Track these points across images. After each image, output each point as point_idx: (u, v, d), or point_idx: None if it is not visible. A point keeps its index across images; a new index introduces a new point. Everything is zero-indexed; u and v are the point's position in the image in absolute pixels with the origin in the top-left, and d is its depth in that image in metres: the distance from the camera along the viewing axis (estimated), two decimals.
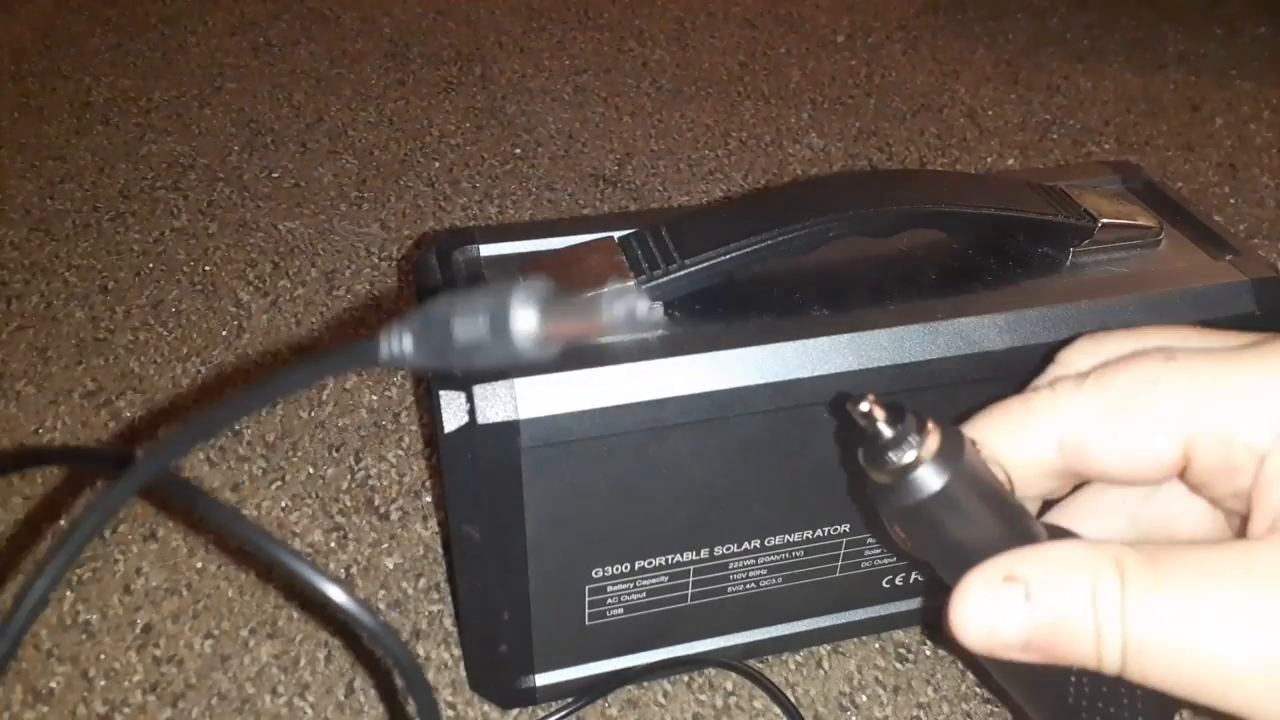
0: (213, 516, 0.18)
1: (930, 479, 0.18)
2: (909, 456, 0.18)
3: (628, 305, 0.15)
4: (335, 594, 0.18)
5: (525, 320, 0.15)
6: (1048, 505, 0.23)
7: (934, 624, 0.37)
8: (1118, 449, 0.19)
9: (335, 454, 0.44)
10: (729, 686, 0.35)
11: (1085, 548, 0.17)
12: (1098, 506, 0.22)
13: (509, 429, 0.27)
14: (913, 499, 0.18)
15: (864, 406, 0.19)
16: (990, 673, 0.21)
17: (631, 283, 0.14)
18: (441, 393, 0.27)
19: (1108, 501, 0.22)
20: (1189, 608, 0.16)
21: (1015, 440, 0.20)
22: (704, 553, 0.32)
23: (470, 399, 0.26)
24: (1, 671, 0.15)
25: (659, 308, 0.14)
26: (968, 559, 0.19)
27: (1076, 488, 0.22)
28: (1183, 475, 0.19)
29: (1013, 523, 0.19)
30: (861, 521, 0.33)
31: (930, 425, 0.19)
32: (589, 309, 0.15)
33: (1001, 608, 0.17)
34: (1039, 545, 0.18)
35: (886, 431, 0.19)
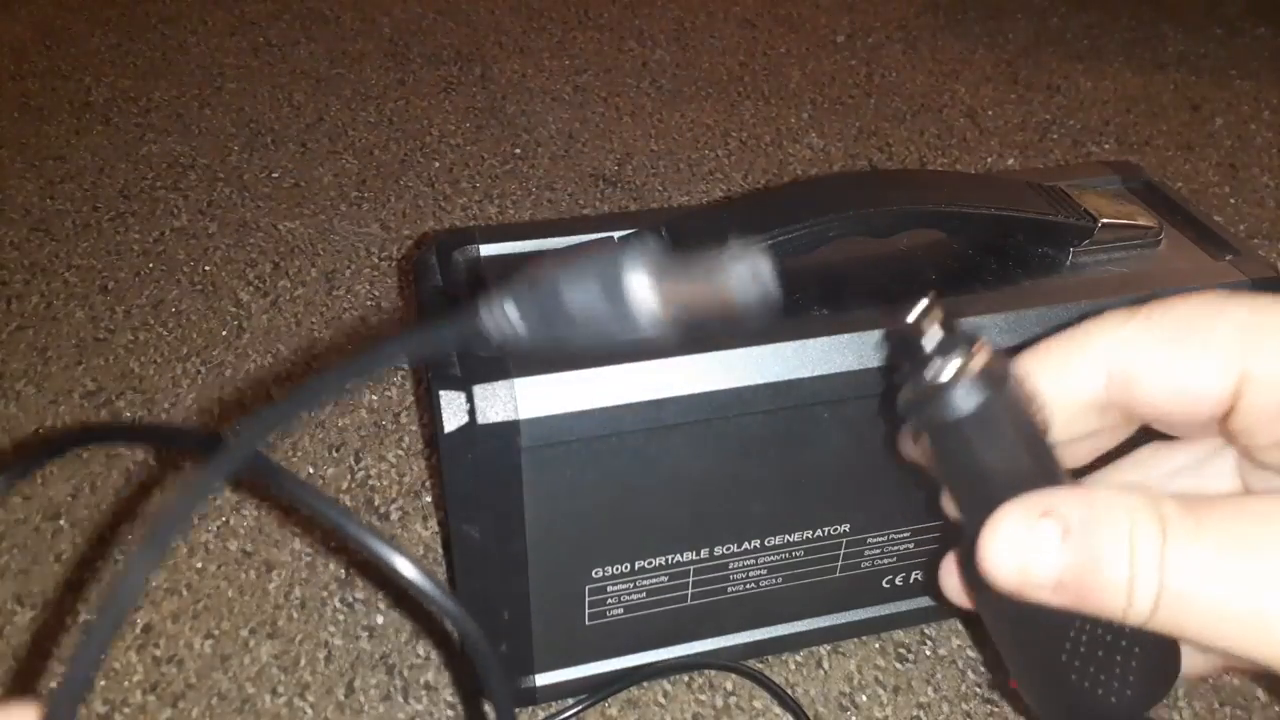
0: (299, 497, 0.17)
1: (971, 395, 0.18)
2: (953, 367, 0.18)
3: (751, 266, 0.13)
4: (425, 585, 0.17)
5: (640, 283, 0.14)
6: (1096, 466, 0.22)
7: (934, 587, 0.37)
8: (1168, 378, 0.18)
9: (335, 454, 0.44)
10: (729, 686, 0.35)
11: (1127, 493, 0.17)
12: (1145, 476, 0.21)
13: (509, 429, 0.27)
14: (951, 413, 0.18)
15: (920, 307, 0.18)
16: (986, 623, 0.20)
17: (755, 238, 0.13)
18: (441, 393, 0.27)
19: (1156, 472, 0.21)
20: (1229, 560, 0.16)
21: (1063, 370, 0.19)
22: (704, 553, 0.32)
23: (470, 399, 0.26)
24: (102, 654, 0.15)
25: (761, 270, 0.13)
26: (992, 491, 0.18)
27: (1121, 451, 0.21)
28: (1225, 422, 0.19)
29: (1045, 462, 0.18)
30: (866, 518, 0.33)
31: (980, 342, 0.18)
32: (709, 271, 0.13)
33: (1037, 544, 0.17)
34: (1079, 485, 0.18)
35: (936, 337, 0.18)
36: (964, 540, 0.19)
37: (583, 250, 0.14)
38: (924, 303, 0.18)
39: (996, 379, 0.18)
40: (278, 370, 0.48)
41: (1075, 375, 0.19)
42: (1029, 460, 0.18)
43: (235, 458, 0.15)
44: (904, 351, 0.19)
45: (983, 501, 0.18)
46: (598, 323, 0.14)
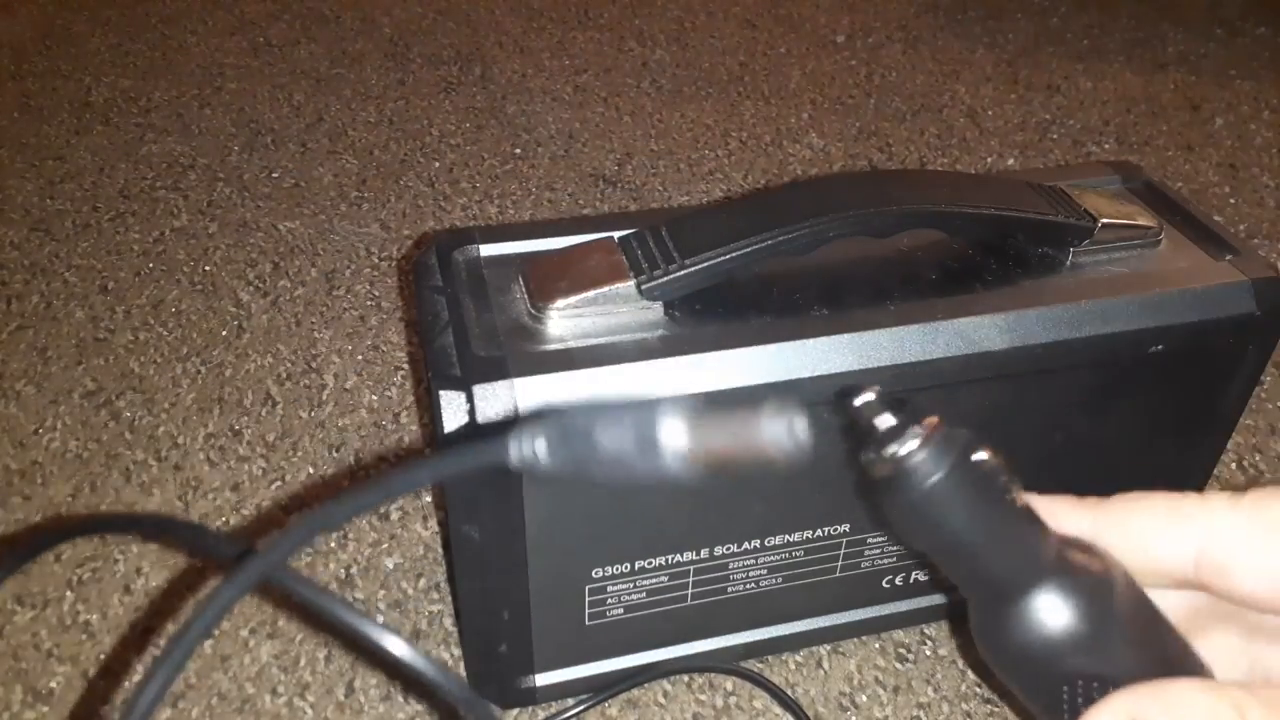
0: (321, 607, 0.18)
1: (929, 469, 0.18)
2: (909, 446, 0.18)
3: (785, 423, 0.14)
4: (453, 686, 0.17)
5: (675, 435, 0.14)
6: None
7: (957, 617, 0.37)
8: (1268, 571, 0.18)
9: (335, 454, 0.44)
10: (729, 686, 0.35)
11: (1207, 690, 0.17)
12: (1217, 643, 0.21)
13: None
14: (913, 491, 0.18)
15: (864, 398, 0.19)
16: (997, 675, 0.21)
17: (786, 402, 0.14)
18: (441, 392, 0.27)
19: (1228, 641, 0.21)
20: None
21: (1153, 537, 0.19)
22: (704, 553, 0.32)
23: (470, 399, 0.26)
24: None
25: (800, 417, 0.14)
26: (974, 562, 0.18)
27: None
28: None
29: (1020, 526, 0.19)
30: (866, 521, 0.33)
31: (931, 419, 0.19)
32: (743, 426, 0.14)
33: None
34: (1161, 683, 0.18)
35: (886, 422, 0.19)
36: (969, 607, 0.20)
37: (621, 405, 0.15)
38: (868, 395, 0.19)
39: (952, 447, 0.18)
40: (278, 370, 0.48)
41: (1164, 546, 0.19)
42: (1002, 525, 0.19)
43: (259, 571, 0.16)
44: (860, 435, 0.19)
45: (969, 572, 0.19)
46: (626, 466, 0.15)
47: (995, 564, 0.19)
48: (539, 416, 0.16)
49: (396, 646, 0.17)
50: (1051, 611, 0.18)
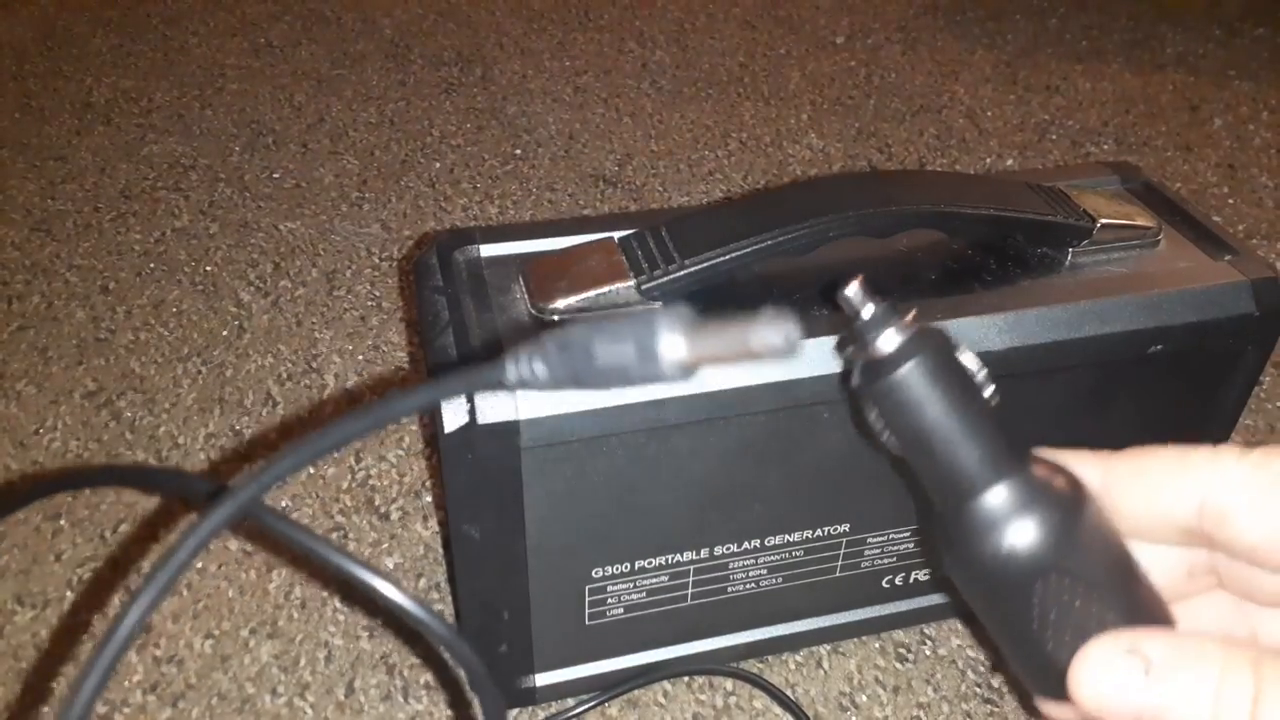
0: (302, 544, 0.18)
1: (904, 355, 0.19)
2: (887, 334, 0.19)
3: (777, 333, 0.14)
4: (426, 618, 0.17)
5: (672, 345, 0.15)
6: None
7: (967, 613, 0.37)
8: (1270, 524, 0.19)
9: (335, 454, 0.44)
10: (729, 686, 0.35)
11: (1223, 644, 0.17)
12: (1215, 605, 0.21)
13: (509, 429, 0.27)
14: (887, 376, 0.19)
15: (851, 289, 0.19)
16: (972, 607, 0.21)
17: (780, 312, 0.14)
18: None
19: (1226, 604, 0.21)
20: None
21: (1161, 485, 0.20)
22: (704, 553, 0.32)
23: (470, 399, 0.26)
24: (96, 697, 0.15)
25: (800, 336, 0.14)
26: (942, 456, 0.19)
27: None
28: None
29: (989, 422, 0.19)
30: (867, 519, 0.33)
31: (911, 311, 0.19)
32: (736, 335, 0.15)
33: (1120, 679, 0.17)
34: (1174, 630, 0.18)
35: (869, 311, 0.19)
36: (934, 511, 0.20)
37: (616, 318, 0.15)
38: (852, 287, 0.19)
39: (927, 340, 0.19)
40: (278, 370, 0.48)
41: (1169, 495, 0.20)
42: (976, 418, 0.19)
43: (235, 507, 0.16)
44: (849, 338, 0.20)
45: (938, 467, 0.19)
46: (624, 376, 0.15)
47: (963, 457, 0.19)
48: (536, 341, 0.16)
49: (384, 587, 0.17)
50: (1018, 509, 0.18)
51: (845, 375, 0.21)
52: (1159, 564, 0.20)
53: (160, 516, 0.41)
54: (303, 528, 0.18)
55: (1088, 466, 0.20)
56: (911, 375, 0.19)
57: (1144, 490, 0.20)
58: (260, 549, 0.40)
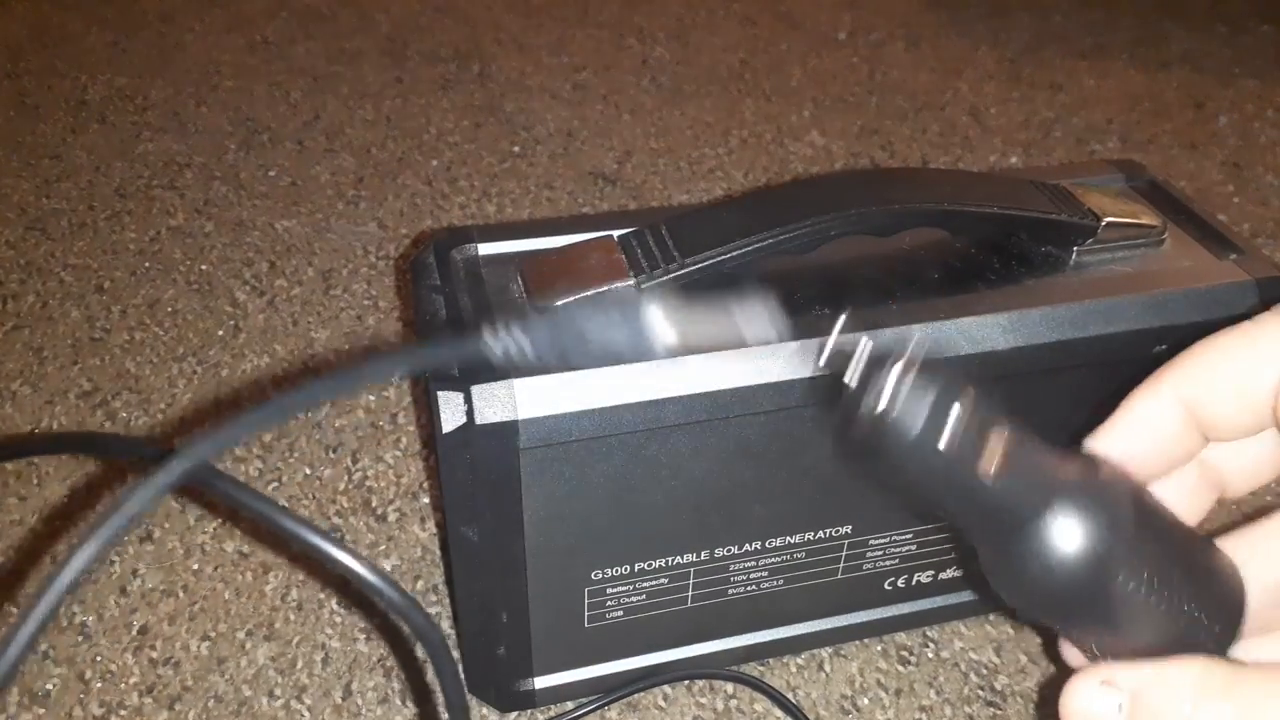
0: (253, 509, 0.17)
1: (903, 427, 0.17)
2: (880, 404, 0.17)
3: (765, 320, 0.14)
4: (385, 588, 0.17)
5: (663, 326, 0.15)
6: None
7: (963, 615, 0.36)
8: (1225, 384, 0.19)
9: (332, 455, 0.44)
10: (730, 689, 0.35)
11: (1202, 667, 0.18)
12: None
13: (507, 429, 0.26)
14: (891, 449, 0.18)
15: (829, 353, 0.18)
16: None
17: (768, 300, 0.14)
18: (440, 393, 0.26)
19: None
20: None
21: (1234, 372, 0.19)
22: (704, 554, 0.31)
23: (468, 399, 0.26)
24: (15, 667, 0.14)
25: (788, 325, 0.13)
26: (963, 509, 0.18)
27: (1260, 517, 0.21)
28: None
29: (1015, 468, 0.18)
30: (868, 522, 0.32)
31: (897, 364, 0.18)
32: (724, 319, 0.15)
33: (1097, 712, 0.18)
34: (1143, 664, 0.18)
35: (854, 378, 0.18)
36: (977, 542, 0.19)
37: (605, 297, 0.15)
38: (828, 345, 0.18)
39: (927, 397, 0.18)
40: (275, 370, 0.48)
41: (1251, 377, 0.20)
42: (994, 476, 0.18)
43: (179, 470, 0.15)
44: (841, 398, 0.19)
45: (961, 516, 0.18)
46: (613, 355, 0.15)
47: (981, 514, 0.18)
48: (518, 315, 0.16)
49: (331, 549, 0.17)
50: (1056, 537, 0.18)
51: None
52: (1259, 459, 0.20)
53: (156, 518, 0.41)
54: (251, 490, 0.18)
55: (1162, 392, 0.20)
56: (911, 448, 0.17)
57: (1224, 381, 0.20)
58: (257, 550, 0.40)
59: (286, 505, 0.41)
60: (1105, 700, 0.18)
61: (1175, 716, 0.17)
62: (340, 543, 0.17)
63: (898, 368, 0.18)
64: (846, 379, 0.18)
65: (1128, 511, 0.19)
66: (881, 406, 0.17)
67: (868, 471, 0.19)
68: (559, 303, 0.28)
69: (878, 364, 0.18)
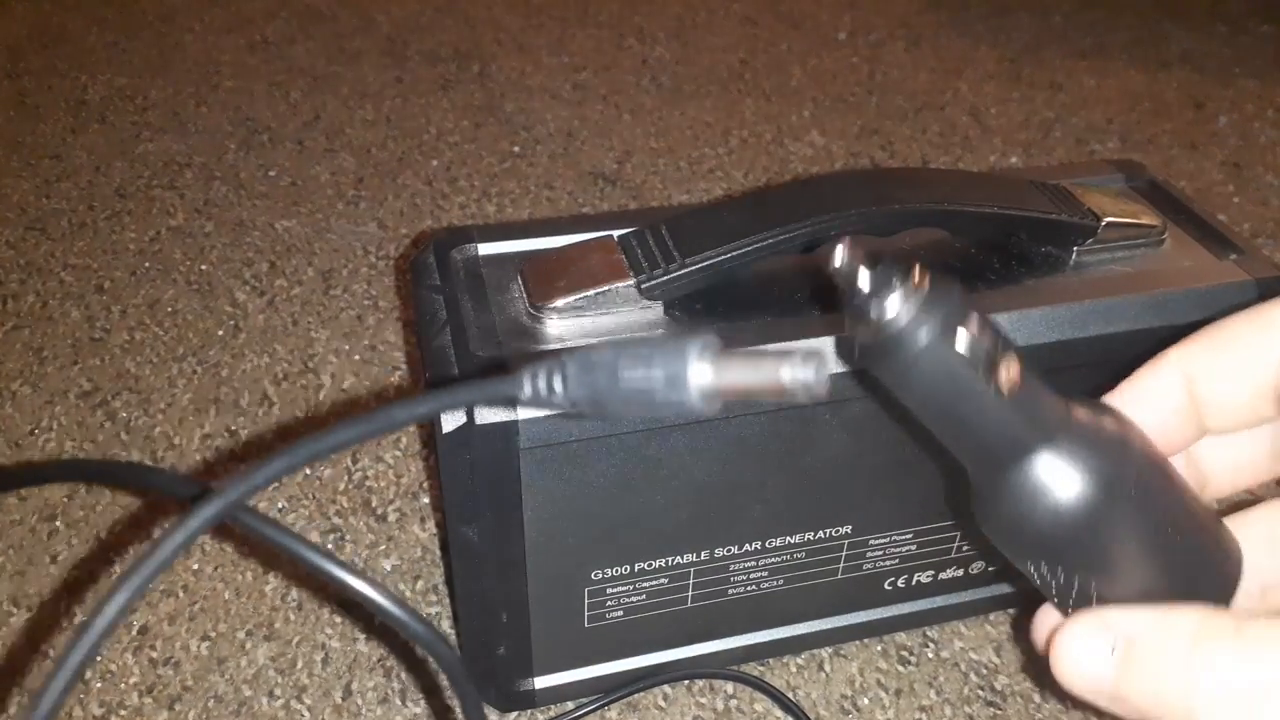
0: (283, 546, 0.17)
1: (913, 329, 0.16)
2: (890, 304, 0.17)
3: (808, 369, 0.13)
4: (409, 621, 0.17)
5: (701, 374, 0.14)
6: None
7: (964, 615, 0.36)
8: (1225, 368, 0.19)
9: (332, 454, 0.44)
10: (730, 689, 0.35)
11: (1202, 615, 0.17)
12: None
13: (507, 429, 0.26)
14: (897, 354, 0.17)
15: (839, 256, 0.17)
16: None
17: (812, 345, 0.13)
18: None
19: None
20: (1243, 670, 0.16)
21: (1241, 358, 0.19)
22: (704, 554, 0.31)
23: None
24: (61, 698, 0.15)
25: (818, 370, 0.13)
26: (968, 431, 0.17)
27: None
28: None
29: (1018, 397, 0.17)
30: (869, 521, 0.32)
31: (913, 274, 0.17)
32: (765, 368, 0.14)
33: (1091, 659, 0.18)
34: (1141, 608, 0.18)
35: (865, 280, 0.17)
36: (968, 477, 0.19)
37: (646, 343, 0.15)
38: (840, 253, 0.17)
39: (941, 307, 0.17)
40: (274, 370, 0.48)
41: (1258, 364, 0.20)
42: (996, 397, 0.17)
43: (219, 509, 0.15)
44: (848, 304, 0.18)
45: (964, 438, 0.18)
46: (647, 402, 0.15)
47: (992, 431, 0.17)
48: (558, 358, 0.15)
49: (359, 585, 0.17)
50: (1052, 478, 0.17)
51: (849, 349, 0.19)
52: (1245, 460, 0.20)
53: (156, 517, 0.41)
54: (287, 530, 0.18)
55: (1166, 367, 0.20)
56: (925, 352, 0.17)
57: (1228, 361, 0.19)
58: (257, 550, 0.40)
59: (286, 505, 0.41)
60: (1099, 641, 0.18)
61: (1173, 660, 0.17)
62: (370, 579, 0.17)
63: (915, 273, 0.17)
64: (860, 283, 0.17)
65: (1139, 451, 0.18)
66: (897, 310, 0.17)
67: (872, 386, 0.18)
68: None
69: (890, 273, 0.17)
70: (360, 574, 0.17)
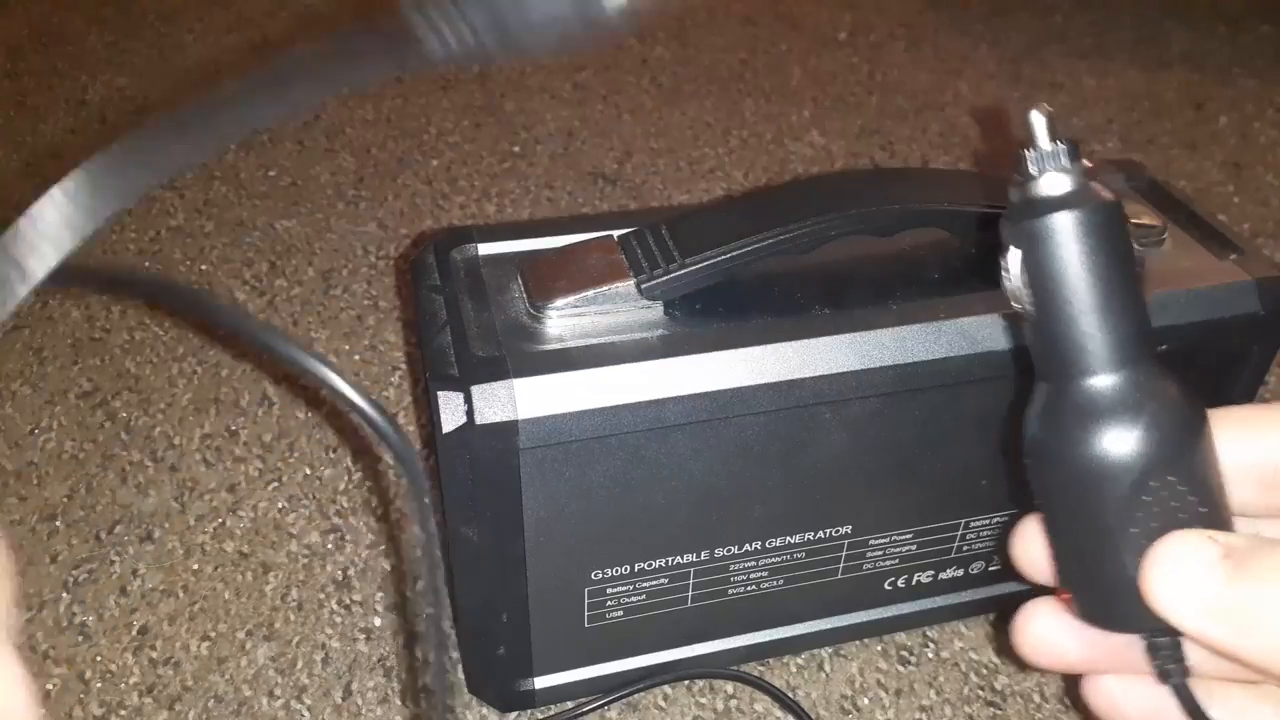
0: (231, 323, 0.16)
1: (1077, 199, 0.17)
2: (1064, 172, 0.17)
3: None
4: (338, 383, 0.15)
5: None
6: None
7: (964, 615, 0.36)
8: None
9: (332, 455, 0.44)
10: (730, 689, 0.35)
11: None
12: None
13: (507, 429, 0.26)
14: (1052, 215, 0.17)
15: (1038, 115, 0.18)
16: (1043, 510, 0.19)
17: None
18: (439, 393, 0.26)
19: None
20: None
21: (1257, 431, 0.19)
22: (704, 554, 0.31)
23: (468, 399, 0.26)
24: None
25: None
26: (1082, 319, 0.17)
27: None
28: None
29: (1132, 301, 0.18)
30: (869, 521, 0.32)
31: (1086, 161, 0.18)
32: None
33: (1199, 571, 0.17)
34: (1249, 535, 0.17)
35: (1049, 144, 0.18)
36: (1052, 384, 0.18)
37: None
38: (1035, 115, 0.18)
39: (1098, 195, 0.17)
40: (274, 370, 0.48)
41: (1243, 453, 0.19)
42: (1129, 299, 0.17)
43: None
44: (1017, 165, 0.18)
45: (1071, 327, 0.17)
46: (560, 25, 0.14)
47: (1105, 327, 0.17)
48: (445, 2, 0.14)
49: (308, 362, 0.15)
50: (1149, 398, 0.17)
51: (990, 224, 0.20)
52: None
53: (157, 518, 0.41)
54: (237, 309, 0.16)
55: None
56: (1080, 222, 0.17)
57: (1243, 439, 0.19)
58: (257, 550, 0.40)
59: (286, 505, 0.41)
60: (1205, 551, 0.17)
61: None
62: (318, 356, 0.15)
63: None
64: (1056, 137, 0.18)
65: (1200, 423, 0.18)
66: (1086, 168, 0.17)
67: (1015, 239, 0.18)
68: (559, 301, 0.28)
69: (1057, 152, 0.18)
70: (305, 348, 0.16)
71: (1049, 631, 0.20)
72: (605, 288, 0.28)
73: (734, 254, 0.28)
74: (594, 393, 0.27)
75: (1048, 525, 0.19)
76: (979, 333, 0.29)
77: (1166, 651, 0.19)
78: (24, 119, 0.66)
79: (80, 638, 0.36)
